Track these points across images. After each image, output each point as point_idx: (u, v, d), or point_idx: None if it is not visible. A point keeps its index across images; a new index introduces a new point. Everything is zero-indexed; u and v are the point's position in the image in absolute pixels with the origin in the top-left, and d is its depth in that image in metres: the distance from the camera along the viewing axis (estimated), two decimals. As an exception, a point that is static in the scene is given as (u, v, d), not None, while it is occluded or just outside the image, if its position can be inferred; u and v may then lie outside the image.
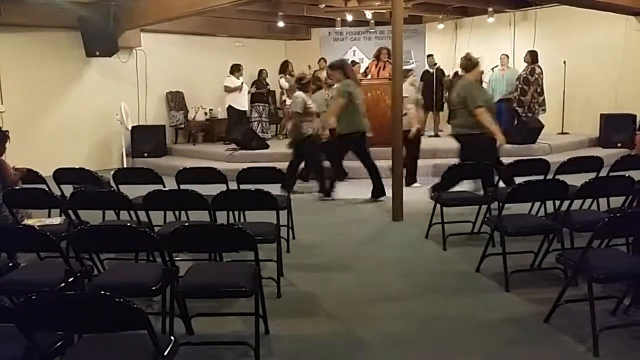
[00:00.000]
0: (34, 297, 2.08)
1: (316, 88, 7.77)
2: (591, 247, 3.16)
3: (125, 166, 9.80)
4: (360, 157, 6.96)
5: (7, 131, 5.09)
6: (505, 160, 5.83)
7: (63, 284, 3.09)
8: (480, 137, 5.64)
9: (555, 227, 4.13)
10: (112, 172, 5.26)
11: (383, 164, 7.01)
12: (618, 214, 3.36)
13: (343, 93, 6.71)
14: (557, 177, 4.48)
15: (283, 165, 6.68)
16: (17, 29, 9.29)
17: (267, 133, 11.16)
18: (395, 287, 4.19)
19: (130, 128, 10.23)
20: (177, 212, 5.19)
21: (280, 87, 11.45)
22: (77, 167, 5.49)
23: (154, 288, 2.98)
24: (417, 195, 6.85)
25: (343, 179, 7.48)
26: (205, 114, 11.68)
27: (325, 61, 11.47)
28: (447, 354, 3.17)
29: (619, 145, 9.56)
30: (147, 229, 3.24)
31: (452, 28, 12.51)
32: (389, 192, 6.12)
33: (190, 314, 3.38)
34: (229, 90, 10.63)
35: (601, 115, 10.06)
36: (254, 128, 10.79)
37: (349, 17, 11.15)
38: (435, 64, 11.08)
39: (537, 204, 5.24)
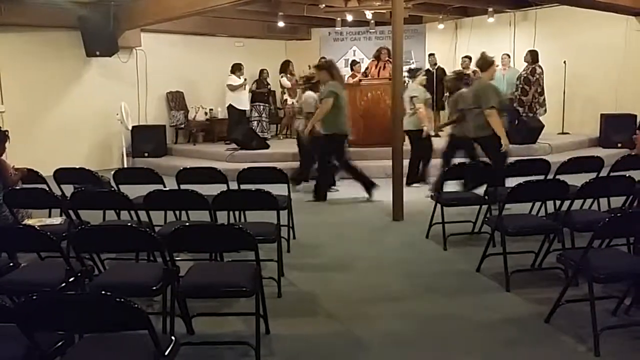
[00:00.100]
0: (34, 297, 2.08)
1: (308, 88, 7.75)
2: (592, 247, 3.16)
3: (125, 166, 9.80)
4: (338, 158, 6.98)
5: (6, 131, 5.08)
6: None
7: (64, 284, 3.09)
8: (494, 137, 5.64)
9: (555, 227, 4.13)
10: (112, 172, 5.26)
11: (383, 164, 7.01)
12: (618, 214, 3.36)
13: (330, 94, 6.69)
14: (557, 177, 4.48)
15: (283, 165, 6.66)
16: (17, 29, 9.29)
17: (266, 133, 11.16)
18: (396, 287, 4.19)
19: (130, 128, 10.24)
20: (177, 212, 5.19)
21: (282, 87, 11.45)
22: (77, 167, 5.48)
23: (154, 288, 2.98)
24: (418, 195, 6.85)
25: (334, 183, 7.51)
26: (206, 113, 11.68)
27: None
28: (447, 354, 3.17)
29: (619, 145, 9.56)
30: (147, 229, 3.24)
31: (452, 28, 12.50)
32: (389, 192, 6.11)
33: (190, 313, 3.38)
34: (232, 88, 10.63)
35: (601, 115, 10.06)
36: (253, 127, 10.80)
37: (349, 17, 11.15)
38: (436, 63, 11.08)
39: (538, 204, 5.24)
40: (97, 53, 9.74)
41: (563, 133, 10.60)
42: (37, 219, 4.56)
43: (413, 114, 7.40)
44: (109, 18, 9.40)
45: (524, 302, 3.79)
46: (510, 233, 4.07)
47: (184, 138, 11.75)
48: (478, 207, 5.19)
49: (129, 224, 3.83)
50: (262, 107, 11.29)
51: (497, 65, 10.27)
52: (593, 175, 4.73)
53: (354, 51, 12.17)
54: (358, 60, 11.21)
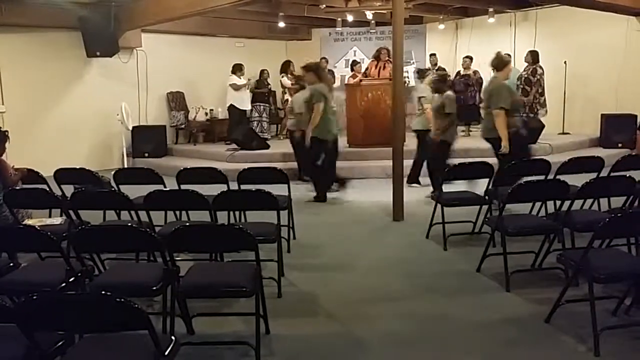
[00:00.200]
0: (34, 297, 2.08)
1: (299, 88, 7.75)
2: (592, 247, 3.16)
3: (125, 166, 9.80)
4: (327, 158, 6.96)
5: (6, 131, 5.09)
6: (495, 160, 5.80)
7: (64, 284, 3.09)
8: (512, 137, 5.60)
9: (556, 227, 4.13)
10: (112, 172, 5.26)
11: (383, 164, 7.01)
12: (619, 214, 3.35)
13: (320, 97, 6.65)
14: (558, 177, 4.48)
15: (283, 166, 6.68)
16: (18, 29, 9.30)
17: (266, 133, 11.16)
18: (396, 287, 4.19)
19: (130, 128, 10.24)
20: (177, 212, 5.19)
21: (282, 86, 11.45)
22: (77, 167, 5.48)
23: (154, 288, 2.98)
24: (418, 195, 6.85)
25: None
26: (206, 114, 11.69)
27: (327, 61, 11.52)
28: (447, 354, 3.17)
29: (619, 145, 9.56)
30: (147, 229, 3.24)
31: (453, 28, 12.50)
32: (389, 192, 6.11)
33: (191, 313, 3.38)
34: (236, 87, 10.63)
35: (602, 115, 10.06)
36: (253, 128, 10.80)
37: (350, 18, 11.15)
38: (437, 64, 11.08)
39: (538, 204, 5.24)
40: (98, 53, 9.74)
41: (563, 133, 10.59)
42: (37, 219, 4.56)
43: (421, 114, 7.40)
44: (109, 18, 9.41)
45: (524, 302, 3.79)
46: (510, 233, 4.07)
47: (184, 138, 11.75)
48: (478, 207, 5.19)
49: (129, 224, 3.83)
50: (262, 107, 11.29)
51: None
52: (593, 175, 4.72)
53: (355, 51, 12.18)
54: (359, 60, 11.21)
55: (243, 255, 3.75)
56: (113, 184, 5.21)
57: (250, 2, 8.72)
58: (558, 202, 4.42)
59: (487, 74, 10.59)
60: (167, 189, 4.46)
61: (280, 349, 3.22)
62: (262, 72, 11.57)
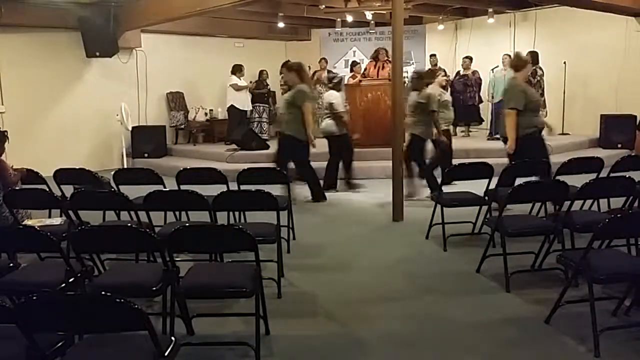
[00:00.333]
0: (34, 298, 2.08)
1: (287, 89, 7.72)
2: (592, 248, 3.16)
3: (125, 167, 9.80)
4: (295, 162, 6.84)
5: (6, 131, 5.09)
6: (506, 160, 5.80)
7: (63, 285, 3.09)
8: (530, 137, 5.55)
9: (555, 228, 4.12)
10: (112, 173, 5.26)
11: (383, 165, 7.01)
12: (618, 215, 3.35)
13: (304, 97, 6.55)
14: (557, 177, 4.48)
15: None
16: (18, 30, 9.30)
17: (265, 133, 11.16)
18: (396, 287, 4.19)
19: (130, 128, 10.24)
20: (177, 213, 5.19)
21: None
22: (77, 167, 5.48)
23: (154, 288, 2.98)
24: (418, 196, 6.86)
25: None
26: (206, 114, 11.69)
27: (326, 61, 11.51)
28: (447, 354, 3.17)
29: (619, 145, 9.56)
30: (147, 230, 3.24)
31: (452, 29, 12.51)
32: (389, 192, 6.11)
33: (190, 314, 3.38)
34: (237, 88, 10.63)
35: (601, 115, 10.07)
36: (253, 128, 10.80)
37: (349, 18, 11.16)
38: (437, 64, 11.08)
39: (538, 204, 5.24)
40: (97, 54, 9.74)
41: (563, 134, 10.59)
42: (37, 220, 4.56)
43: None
44: (109, 19, 9.40)
45: (524, 303, 3.78)
46: (510, 234, 4.07)
47: (184, 138, 11.75)
48: (478, 207, 5.19)
49: (129, 224, 3.83)
50: (261, 107, 11.30)
51: (496, 67, 10.38)
52: (593, 175, 4.73)
53: (354, 52, 12.17)
54: (358, 60, 11.21)
55: (243, 256, 3.75)
56: (113, 184, 5.21)
57: (250, 2, 8.72)
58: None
59: (486, 74, 10.69)
60: (167, 189, 4.46)
61: (280, 350, 3.22)
62: (261, 72, 11.57)
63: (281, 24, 11.46)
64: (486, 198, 5.08)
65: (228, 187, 4.74)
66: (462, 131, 11.10)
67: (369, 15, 10.91)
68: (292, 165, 6.77)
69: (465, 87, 10.64)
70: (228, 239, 3.17)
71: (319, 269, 4.69)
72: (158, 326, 2.97)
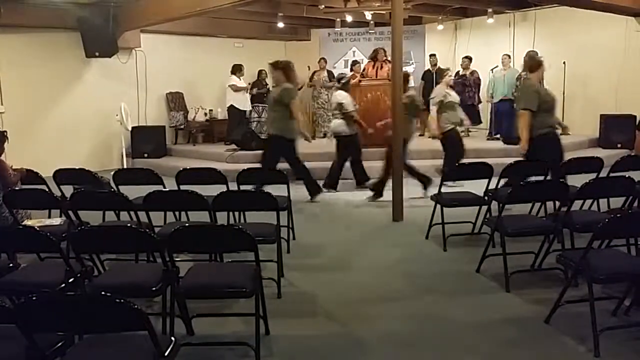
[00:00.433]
0: (34, 298, 2.08)
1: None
2: (591, 247, 3.16)
3: (125, 167, 9.80)
4: (288, 162, 6.84)
5: (5, 131, 5.09)
6: (506, 160, 5.81)
7: (63, 285, 3.09)
8: (544, 137, 5.54)
9: (555, 228, 4.12)
10: (112, 173, 5.26)
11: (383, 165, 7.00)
12: (618, 215, 3.36)
13: (290, 96, 6.54)
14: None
15: (283, 166, 6.66)
16: (17, 30, 9.29)
17: (264, 134, 11.14)
18: (395, 287, 4.19)
19: (130, 129, 10.24)
20: (177, 213, 5.19)
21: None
22: (77, 167, 5.48)
23: (154, 289, 2.98)
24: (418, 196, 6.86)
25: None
26: (205, 114, 11.68)
27: (326, 61, 11.52)
28: (447, 354, 3.17)
29: (619, 145, 9.57)
30: (147, 230, 3.24)
31: (452, 29, 12.51)
32: (389, 192, 6.11)
33: (190, 314, 3.38)
34: (236, 88, 10.63)
35: (601, 115, 10.07)
36: (252, 128, 10.80)
37: (349, 18, 11.16)
38: (436, 64, 11.09)
39: (538, 204, 5.24)
40: (97, 54, 9.73)
41: (563, 134, 10.57)
42: (36, 220, 4.56)
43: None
44: (108, 19, 9.40)
45: (524, 303, 3.79)
46: (510, 234, 4.07)
47: (183, 139, 11.75)
48: (478, 207, 5.19)
49: (129, 224, 3.83)
50: (261, 108, 11.28)
51: (496, 66, 10.37)
52: (593, 175, 4.73)
53: (354, 52, 12.17)
54: (358, 60, 11.21)
55: (243, 256, 3.75)
56: (112, 184, 5.20)
57: (250, 2, 8.72)
58: (557, 203, 4.43)
59: (485, 74, 10.68)
60: (167, 189, 4.46)
61: (280, 350, 3.22)
62: (260, 72, 11.56)
63: (281, 24, 11.46)
64: (486, 198, 5.09)
65: (228, 187, 4.74)
66: (461, 131, 11.07)
67: (368, 15, 10.92)
68: (286, 165, 6.75)
69: (464, 87, 10.63)
70: (228, 239, 3.17)
71: (319, 269, 4.69)
72: (158, 326, 2.97)
